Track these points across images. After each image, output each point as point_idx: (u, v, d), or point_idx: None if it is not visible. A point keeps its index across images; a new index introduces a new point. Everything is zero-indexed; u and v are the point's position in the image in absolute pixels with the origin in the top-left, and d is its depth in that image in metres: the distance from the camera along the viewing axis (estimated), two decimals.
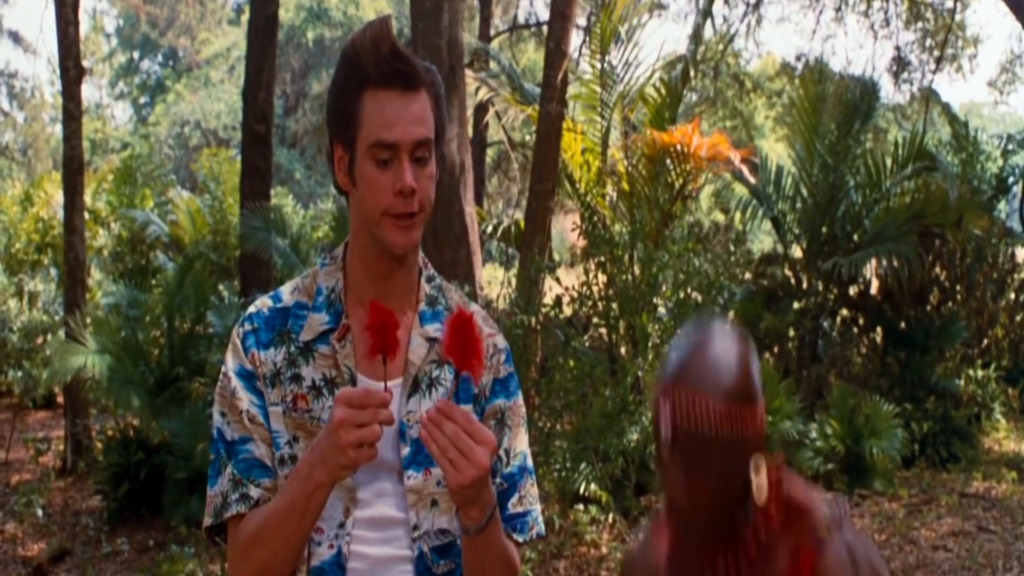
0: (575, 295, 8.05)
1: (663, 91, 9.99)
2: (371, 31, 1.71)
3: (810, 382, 9.75)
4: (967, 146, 11.01)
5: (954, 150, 11.23)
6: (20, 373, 12.69)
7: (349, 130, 1.73)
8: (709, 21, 13.03)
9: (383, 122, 1.71)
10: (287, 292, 1.86)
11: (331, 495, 1.73)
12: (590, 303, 8.10)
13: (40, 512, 8.60)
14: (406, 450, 1.80)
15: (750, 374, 1.62)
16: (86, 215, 11.69)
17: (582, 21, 16.30)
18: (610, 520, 7.06)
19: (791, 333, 10.24)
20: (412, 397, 1.82)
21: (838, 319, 10.62)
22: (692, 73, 10.65)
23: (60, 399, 11.69)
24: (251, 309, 1.85)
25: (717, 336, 1.64)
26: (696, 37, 11.42)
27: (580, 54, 14.39)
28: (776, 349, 10.18)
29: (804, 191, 10.44)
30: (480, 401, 1.88)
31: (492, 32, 17.25)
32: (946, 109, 12.96)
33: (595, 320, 8.48)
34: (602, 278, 8.07)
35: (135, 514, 8.25)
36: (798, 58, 18.85)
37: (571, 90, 9.96)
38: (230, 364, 1.82)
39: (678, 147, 8.85)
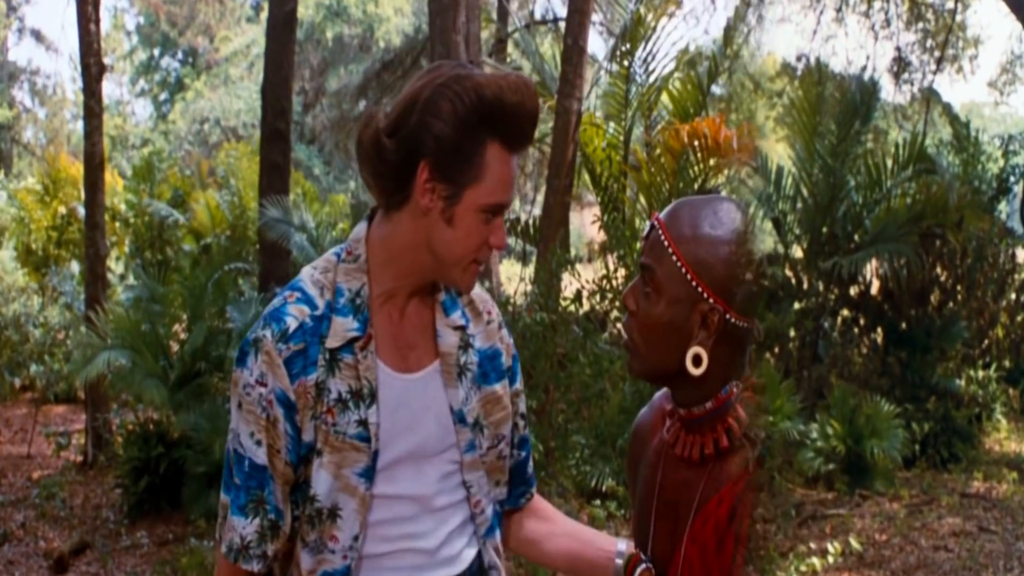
0: (595, 288, 8.07)
1: (689, 87, 10.02)
2: (522, 95, 1.74)
3: (811, 382, 9.71)
4: (968, 146, 10.95)
5: (955, 150, 11.19)
6: (42, 368, 12.81)
7: (464, 172, 1.74)
8: (735, 18, 13.01)
9: (504, 185, 1.76)
10: (316, 294, 1.83)
11: (349, 507, 1.80)
12: (610, 296, 8.12)
13: (61, 505, 8.72)
14: (467, 436, 1.90)
15: (743, 252, 1.66)
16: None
17: (599, 17, 16.30)
18: (627, 516, 7.06)
19: (791, 333, 10.21)
20: (457, 386, 1.89)
21: (839, 319, 10.58)
22: (717, 69, 10.68)
23: (81, 394, 11.78)
24: (290, 321, 1.79)
25: (740, 209, 1.72)
26: (728, 33, 11.45)
27: (607, 54, 14.41)
28: (777, 349, 10.12)
29: (804, 191, 10.41)
30: (509, 377, 2.01)
31: (509, 28, 17.27)
32: (947, 109, 12.89)
33: (614, 315, 8.49)
34: (622, 272, 8.10)
35: (155, 508, 8.31)
36: (798, 58, 18.76)
37: (595, 86, 9.99)
38: (271, 384, 1.77)
39: (704, 137, 8.84)
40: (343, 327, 1.79)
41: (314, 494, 1.80)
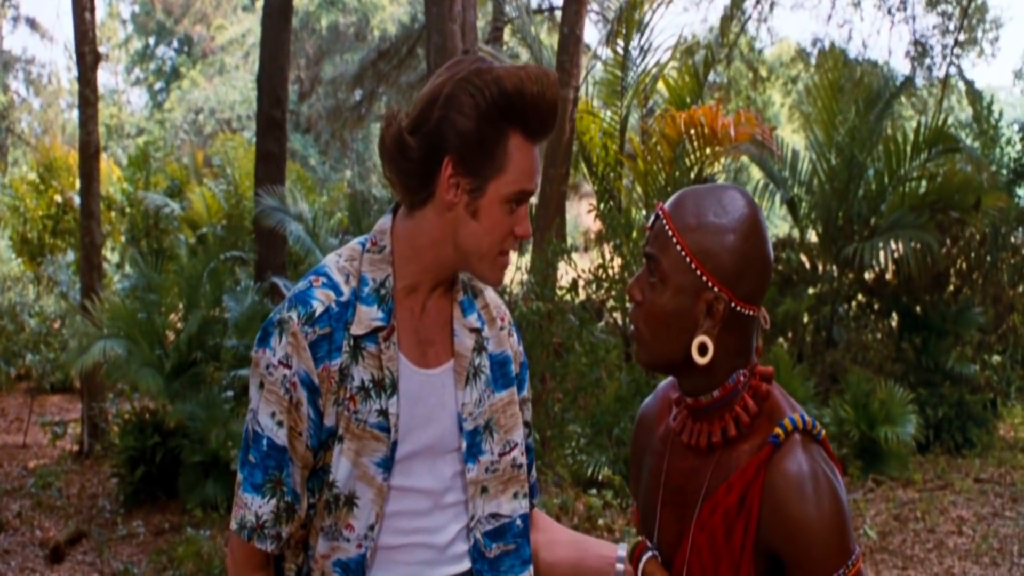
0: (591, 278, 8.07)
1: (686, 76, 9.99)
2: (542, 84, 1.74)
3: (825, 367, 9.69)
4: (988, 128, 10.93)
5: (974, 133, 11.16)
6: (37, 357, 12.78)
7: (487, 165, 1.75)
8: (731, 7, 13.00)
9: (528, 173, 1.78)
10: (341, 281, 1.83)
11: (366, 496, 1.80)
12: (607, 285, 8.12)
13: (57, 495, 8.69)
14: (463, 443, 1.87)
15: (750, 241, 1.67)
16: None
17: (595, 6, 16.27)
18: (624, 505, 7.05)
19: (806, 318, 10.20)
20: (465, 388, 1.88)
21: (854, 304, 10.57)
22: (714, 58, 10.66)
23: (77, 383, 11.77)
24: (316, 305, 1.79)
25: (745, 197, 1.72)
26: (724, 22, 11.46)
27: (601, 40, 14.41)
28: (791, 334, 10.13)
29: (821, 175, 10.38)
30: (517, 384, 2.00)
31: (505, 16, 17.20)
32: (970, 86, 12.76)
33: (610, 304, 8.49)
34: (618, 261, 8.09)
35: (151, 497, 8.29)
36: (814, 43, 18.72)
37: (589, 75, 9.98)
38: (295, 366, 1.77)
39: (700, 125, 8.81)
40: (368, 316, 1.80)
41: (333, 480, 1.80)
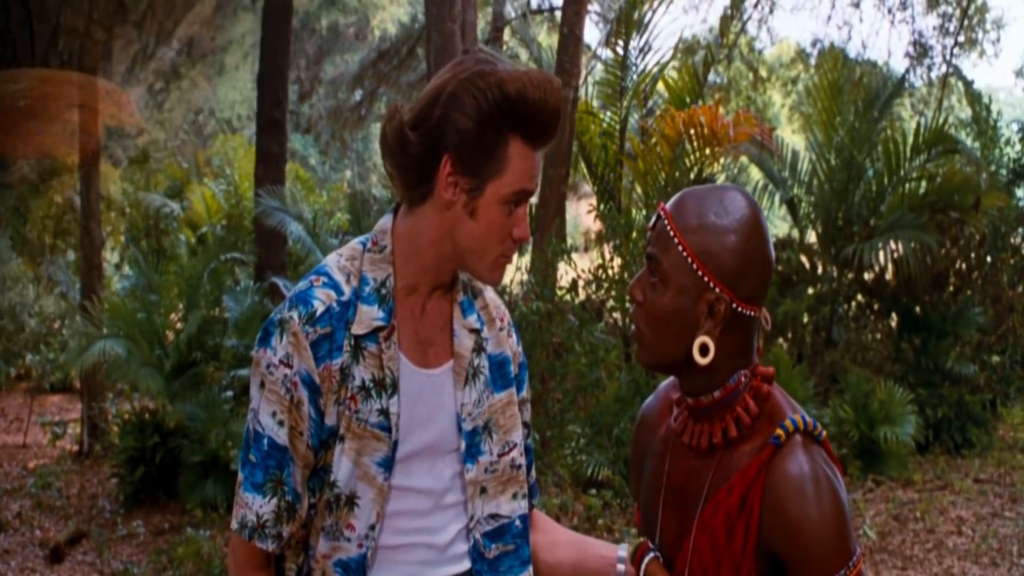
0: (591, 278, 8.08)
1: (686, 76, 10.00)
2: (545, 91, 1.73)
3: (824, 367, 9.69)
4: (987, 129, 10.92)
5: (974, 133, 11.15)
6: (37, 357, 12.80)
7: (486, 166, 1.74)
8: (731, 7, 12.98)
9: (528, 174, 1.78)
10: (342, 280, 1.83)
11: (367, 496, 1.80)
12: (607, 285, 8.13)
13: (57, 495, 8.71)
14: (463, 443, 1.87)
15: (751, 242, 1.67)
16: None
17: (595, 6, 16.29)
18: (623, 505, 7.06)
19: (805, 318, 10.20)
20: (464, 388, 1.88)
21: (853, 304, 10.56)
22: (714, 58, 10.67)
23: (77, 383, 11.78)
24: (317, 304, 1.78)
25: (747, 198, 1.72)
26: (724, 23, 11.47)
27: (601, 40, 14.42)
28: (791, 334, 10.12)
29: (821, 175, 10.38)
30: (516, 385, 1.99)
31: (506, 16, 17.19)
32: (968, 87, 12.74)
33: (610, 304, 8.50)
34: (618, 262, 8.10)
35: (151, 497, 8.31)
36: (813, 44, 18.74)
37: (589, 75, 9.98)
38: (296, 365, 1.77)
39: (700, 125, 8.82)
40: (369, 315, 1.80)
41: (334, 480, 1.80)
